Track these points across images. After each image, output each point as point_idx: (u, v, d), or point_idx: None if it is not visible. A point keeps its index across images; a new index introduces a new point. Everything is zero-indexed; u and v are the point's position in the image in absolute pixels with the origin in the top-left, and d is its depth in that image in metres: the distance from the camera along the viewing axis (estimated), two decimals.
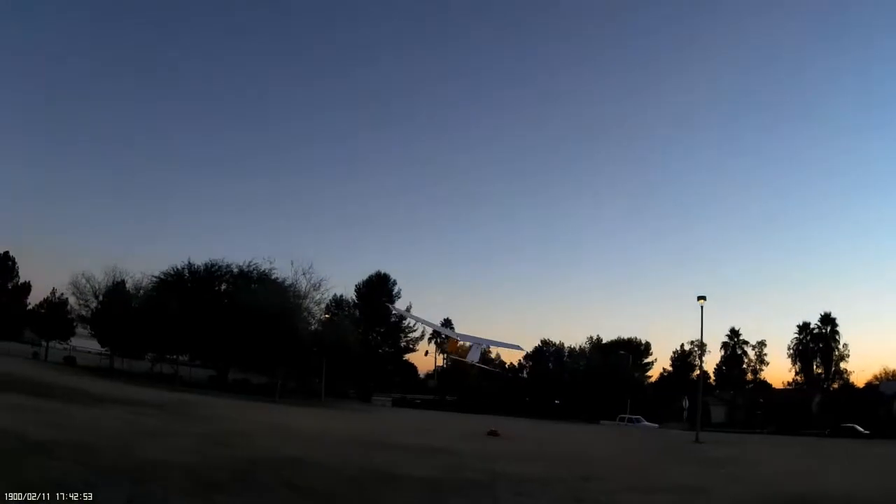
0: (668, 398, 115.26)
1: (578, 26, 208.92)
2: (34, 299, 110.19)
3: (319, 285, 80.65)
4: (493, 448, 32.19)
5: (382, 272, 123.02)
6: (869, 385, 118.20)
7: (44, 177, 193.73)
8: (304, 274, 79.43)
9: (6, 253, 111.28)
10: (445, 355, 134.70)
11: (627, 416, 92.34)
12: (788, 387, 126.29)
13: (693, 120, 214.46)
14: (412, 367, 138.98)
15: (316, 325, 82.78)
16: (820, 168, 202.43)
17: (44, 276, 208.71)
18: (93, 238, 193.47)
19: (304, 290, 79.57)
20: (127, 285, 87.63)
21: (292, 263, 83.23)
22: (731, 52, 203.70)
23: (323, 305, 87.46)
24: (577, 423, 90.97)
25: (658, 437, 64.40)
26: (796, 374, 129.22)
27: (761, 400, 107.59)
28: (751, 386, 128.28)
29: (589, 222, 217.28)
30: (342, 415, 59.39)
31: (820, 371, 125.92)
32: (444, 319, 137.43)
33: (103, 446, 16.69)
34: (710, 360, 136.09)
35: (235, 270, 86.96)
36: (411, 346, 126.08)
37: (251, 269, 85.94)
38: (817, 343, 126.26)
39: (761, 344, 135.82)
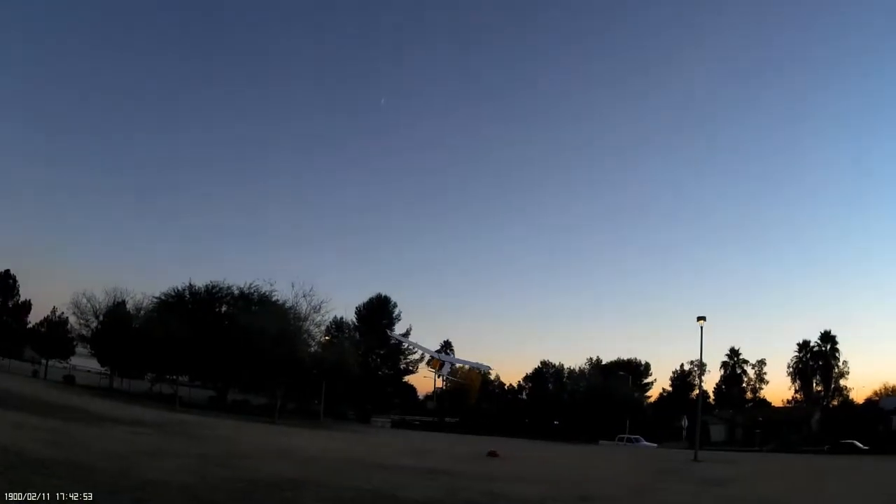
0: (668, 418, 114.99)
1: (584, 25, 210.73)
2: (35, 318, 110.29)
3: (320, 307, 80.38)
4: (493, 469, 32.06)
5: (383, 295, 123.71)
6: (868, 401, 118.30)
7: (46, 197, 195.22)
8: (304, 296, 79.22)
9: (7, 271, 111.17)
10: (444, 377, 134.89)
11: (626, 436, 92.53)
12: (788, 405, 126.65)
13: (688, 137, 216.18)
14: (411, 389, 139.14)
15: (316, 347, 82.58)
16: (819, 187, 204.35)
17: (45, 295, 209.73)
18: (94, 258, 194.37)
19: (304, 312, 79.33)
20: (127, 306, 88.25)
21: (293, 285, 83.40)
22: (731, 63, 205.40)
23: (323, 327, 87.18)
24: (576, 443, 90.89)
25: (657, 456, 64.16)
26: (796, 391, 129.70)
27: (760, 418, 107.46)
28: (750, 404, 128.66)
29: (589, 244, 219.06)
30: (341, 436, 59.21)
31: (819, 388, 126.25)
32: (444, 342, 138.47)
33: (103, 466, 16.72)
34: (710, 380, 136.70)
35: (236, 292, 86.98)
36: (411, 368, 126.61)
37: (252, 290, 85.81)
38: (817, 361, 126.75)
39: (761, 363, 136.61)
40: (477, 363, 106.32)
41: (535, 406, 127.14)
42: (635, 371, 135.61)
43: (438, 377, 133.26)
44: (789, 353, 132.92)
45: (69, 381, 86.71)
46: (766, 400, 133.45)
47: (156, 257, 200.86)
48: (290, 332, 75.08)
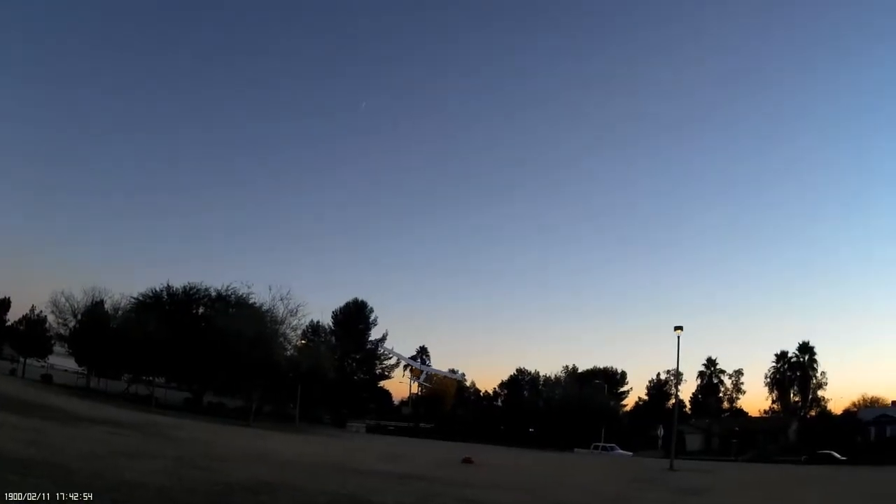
0: (644, 427, 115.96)
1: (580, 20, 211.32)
2: (14, 315, 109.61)
3: (297, 311, 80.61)
4: (467, 475, 32.21)
5: (360, 299, 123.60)
6: (847, 412, 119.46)
7: (25, 194, 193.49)
8: (281, 299, 79.38)
9: None
10: (420, 383, 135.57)
11: (602, 444, 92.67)
12: (765, 415, 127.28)
13: (668, 144, 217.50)
14: (387, 394, 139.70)
15: (292, 351, 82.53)
16: (799, 198, 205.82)
17: (24, 293, 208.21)
18: (74, 257, 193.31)
19: (281, 315, 79.47)
20: (105, 306, 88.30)
21: (270, 289, 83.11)
22: (724, 65, 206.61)
23: (299, 331, 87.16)
24: (551, 451, 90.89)
25: (632, 465, 64.67)
26: (773, 402, 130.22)
27: (737, 428, 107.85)
28: (727, 414, 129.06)
29: (566, 253, 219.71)
30: (317, 440, 59.33)
31: (797, 399, 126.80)
32: (420, 347, 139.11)
33: (80, 466, 16.77)
34: (687, 389, 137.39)
35: (213, 294, 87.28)
36: (386, 373, 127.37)
37: (229, 293, 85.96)
38: (795, 371, 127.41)
39: (738, 373, 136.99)
40: (453, 372, 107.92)
41: (511, 413, 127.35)
42: (611, 379, 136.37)
43: (415, 383, 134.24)
44: (767, 363, 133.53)
45: (47, 379, 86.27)
46: (742, 410, 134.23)
47: (135, 258, 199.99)
48: (266, 335, 75.13)
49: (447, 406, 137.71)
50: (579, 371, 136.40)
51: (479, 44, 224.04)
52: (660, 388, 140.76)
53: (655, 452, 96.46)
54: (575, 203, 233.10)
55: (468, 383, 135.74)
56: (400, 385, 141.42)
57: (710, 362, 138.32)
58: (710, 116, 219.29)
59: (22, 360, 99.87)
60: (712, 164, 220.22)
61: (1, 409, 31.21)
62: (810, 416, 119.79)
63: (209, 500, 14.59)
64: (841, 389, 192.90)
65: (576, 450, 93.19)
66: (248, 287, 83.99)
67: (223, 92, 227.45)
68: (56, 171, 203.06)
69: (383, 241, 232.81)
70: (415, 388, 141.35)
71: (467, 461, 43.23)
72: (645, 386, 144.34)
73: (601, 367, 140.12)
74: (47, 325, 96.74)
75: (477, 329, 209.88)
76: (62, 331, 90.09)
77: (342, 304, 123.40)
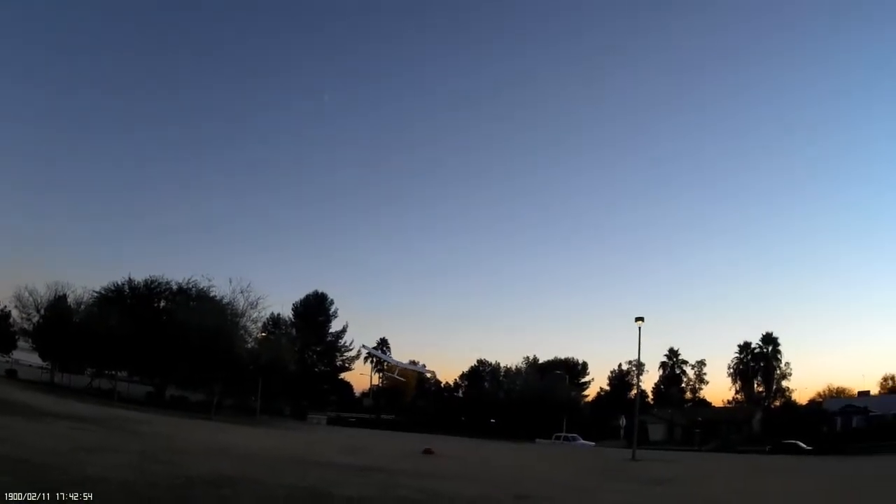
0: (606, 417, 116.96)
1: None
2: None
3: (257, 304, 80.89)
4: (428, 467, 32.50)
5: (320, 292, 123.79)
6: (812, 403, 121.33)
7: None
8: (242, 292, 79.54)
9: None
10: (381, 374, 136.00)
11: (564, 434, 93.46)
12: (729, 405, 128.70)
13: (626, 133, 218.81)
14: (348, 386, 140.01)
15: (253, 344, 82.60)
16: (758, 188, 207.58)
17: None
18: (38, 252, 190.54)
19: (241, 308, 79.54)
20: (69, 300, 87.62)
21: (230, 282, 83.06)
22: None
23: (260, 324, 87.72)
24: (513, 441, 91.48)
25: (594, 455, 65.15)
26: (737, 392, 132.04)
27: (700, 418, 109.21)
28: (690, 405, 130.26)
29: (526, 244, 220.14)
30: (277, 433, 59.31)
31: (761, 389, 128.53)
32: (381, 339, 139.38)
33: (44, 461, 17.00)
34: (649, 380, 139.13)
35: (175, 287, 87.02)
36: (347, 365, 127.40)
37: (190, 286, 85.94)
38: (758, 362, 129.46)
39: (701, 363, 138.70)
40: (413, 364, 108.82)
41: (472, 404, 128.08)
42: (572, 370, 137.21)
43: (386, 378, 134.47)
44: (730, 354, 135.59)
45: (11, 374, 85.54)
46: (706, 400, 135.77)
47: (98, 254, 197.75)
48: (227, 328, 75.19)
49: (408, 398, 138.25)
50: (540, 362, 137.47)
51: (428, 40, 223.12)
52: (622, 379, 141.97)
53: (618, 443, 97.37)
54: (533, 193, 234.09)
55: (429, 375, 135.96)
56: (361, 377, 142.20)
57: (673, 353, 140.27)
58: (667, 100, 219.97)
59: None
60: (673, 152, 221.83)
61: None
62: (775, 406, 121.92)
63: (171, 494, 14.74)
64: (805, 380, 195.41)
65: (537, 440, 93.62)
66: (209, 280, 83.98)
67: (183, 90, 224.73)
68: (17, 168, 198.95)
69: (343, 233, 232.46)
70: (376, 380, 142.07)
71: (428, 452, 43.63)
72: (607, 376, 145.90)
73: (562, 357, 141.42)
74: (11, 320, 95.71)
75: (437, 320, 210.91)
76: (26, 325, 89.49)
77: (303, 296, 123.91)
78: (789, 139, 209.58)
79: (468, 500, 19.94)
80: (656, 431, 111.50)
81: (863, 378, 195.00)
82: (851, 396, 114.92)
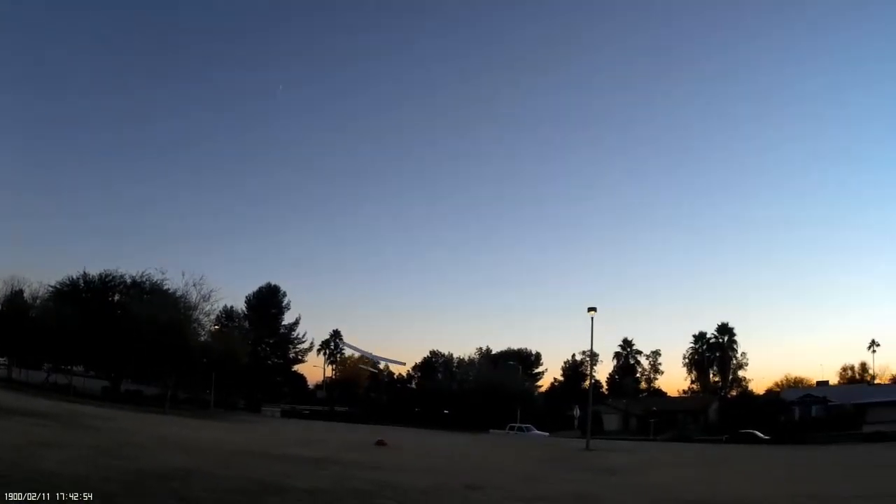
0: (560, 407, 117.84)
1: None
2: None
3: (209, 296, 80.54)
4: (381, 458, 32.86)
5: (273, 284, 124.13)
6: (770, 392, 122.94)
7: None
8: (194, 285, 79.23)
9: None
10: (334, 367, 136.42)
11: (517, 425, 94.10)
12: (685, 395, 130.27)
13: (581, 126, 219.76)
14: (301, 379, 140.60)
15: (206, 337, 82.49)
16: (715, 176, 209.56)
17: None
18: None
19: (194, 301, 79.26)
20: (25, 294, 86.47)
21: (183, 275, 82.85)
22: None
23: (213, 317, 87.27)
24: (466, 432, 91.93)
25: (548, 445, 65.59)
26: (692, 382, 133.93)
27: (655, 408, 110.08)
28: (645, 394, 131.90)
29: (477, 233, 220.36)
30: (231, 426, 59.35)
31: (717, 379, 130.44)
32: (333, 331, 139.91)
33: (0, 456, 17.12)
34: (603, 370, 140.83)
35: (129, 281, 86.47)
36: (300, 357, 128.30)
37: (144, 279, 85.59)
38: (714, 352, 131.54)
39: (655, 353, 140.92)
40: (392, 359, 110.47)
41: (425, 395, 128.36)
42: (526, 361, 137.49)
43: (368, 373, 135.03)
44: (686, 344, 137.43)
45: None
46: (661, 390, 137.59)
47: (52, 251, 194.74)
48: (179, 321, 74.81)
49: (361, 389, 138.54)
50: (493, 353, 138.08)
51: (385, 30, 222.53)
52: (575, 369, 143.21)
53: (572, 433, 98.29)
54: (485, 183, 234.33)
55: (381, 366, 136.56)
56: (314, 369, 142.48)
57: (627, 343, 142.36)
58: (628, 90, 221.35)
59: None
60: (626, 141, 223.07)
61: None
62: (731, 396, 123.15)
63: (124, 487, 14.82)
64: (763, 371, 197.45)
65: (491, 431, 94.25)
66: (163, 273, 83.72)
67: (138, 90, 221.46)
68: None
69: (295, 226, 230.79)
70: (329, 372, 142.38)
71: (381, 444, 43.97)
72: (560, 367, 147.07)
73: (515, 348, 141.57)
74: None
75: (390, 312, 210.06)
76: None
77: (256, 289, 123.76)
78: (742, 123, 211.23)
79: (420, 491, 20.14)
80: (611, 421, 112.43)
81: (821, 368, 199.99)
82: (810, 386, 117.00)
